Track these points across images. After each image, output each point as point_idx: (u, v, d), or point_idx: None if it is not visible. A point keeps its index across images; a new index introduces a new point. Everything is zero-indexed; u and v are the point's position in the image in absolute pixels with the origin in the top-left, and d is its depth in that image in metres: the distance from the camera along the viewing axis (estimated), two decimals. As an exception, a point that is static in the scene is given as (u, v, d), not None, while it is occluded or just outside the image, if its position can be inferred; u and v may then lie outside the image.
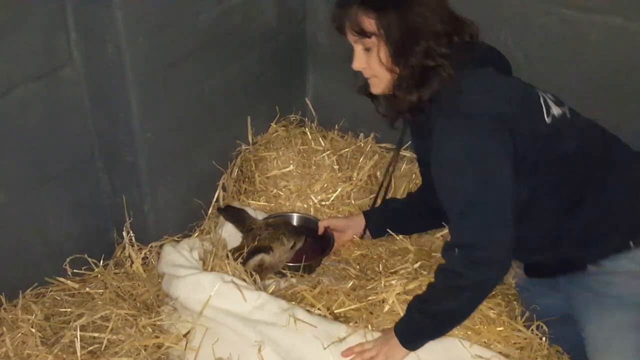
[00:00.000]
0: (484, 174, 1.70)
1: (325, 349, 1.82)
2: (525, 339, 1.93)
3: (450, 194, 1.77)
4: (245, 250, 2.18)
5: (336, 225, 2.45)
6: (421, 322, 1.82)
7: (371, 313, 1.99)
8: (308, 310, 1.95)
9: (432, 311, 1.80)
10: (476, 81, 1.75)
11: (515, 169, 1.71)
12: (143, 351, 1.82)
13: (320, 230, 2.44)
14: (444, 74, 1.73)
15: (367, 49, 1.82)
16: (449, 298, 1.78)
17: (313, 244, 2.43)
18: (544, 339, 1.94)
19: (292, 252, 2.31)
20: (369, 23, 1.76)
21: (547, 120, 1.80)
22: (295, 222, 2.52)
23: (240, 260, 2.12)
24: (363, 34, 1.79)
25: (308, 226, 2.48)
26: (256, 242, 2.21)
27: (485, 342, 1.91)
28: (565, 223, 1.88)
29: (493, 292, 1.98)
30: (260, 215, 2.43)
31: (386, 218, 2.40)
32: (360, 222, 2.43)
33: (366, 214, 2.43)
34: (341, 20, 1.83)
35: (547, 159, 1.80)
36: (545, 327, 1.98)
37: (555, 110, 1.82)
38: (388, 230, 2.38)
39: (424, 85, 1.76)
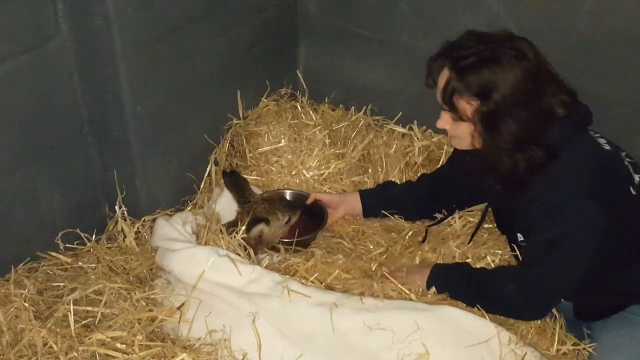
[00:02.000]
0: (572, 254, 1.84)
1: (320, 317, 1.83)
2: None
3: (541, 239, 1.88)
4: (241, 222, 2.18)
5: (329, 201, 2.45)
6: (457, 279, 2.00)
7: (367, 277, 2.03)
8: (302, 282, 1.95)
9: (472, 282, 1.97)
10: (580, 160, 1.85)
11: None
12: (137, 324, 1.83)
13: (310, 200, 2.44)
14: (533, 156, 1.83)
15: (454, 119, 1.89)
16: (490, 292, 1.93)
17: (306, 220, 2.43)
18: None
19: (287, 227, 2.32)
20: (467, 107, 1.83)
21: (633, 192, 1.90)
22: (290, 198, 2.51)
23: (234, 234, 2.12)
24: (456, 112, 1.86)
25: (301, 202, 2.48)
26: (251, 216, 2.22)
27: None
28: (625, 274, 1.99)
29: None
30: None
31: (382, 203, 2.41)
32: (354, 200, 2.43)
33: (362, 195, 2.43)
34: (435, 80, 1.90)
35: (626, 224, 1.92)
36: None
37: (637, 178, 1.92)
38: (382, 211, 2.41)
39: (515, 167, 1.86)
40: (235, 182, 2.33)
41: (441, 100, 1.89)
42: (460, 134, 1.93)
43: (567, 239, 1.83)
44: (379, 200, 2.42)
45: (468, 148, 1.97)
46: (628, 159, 1.96)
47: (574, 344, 1.96)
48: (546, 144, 1.84)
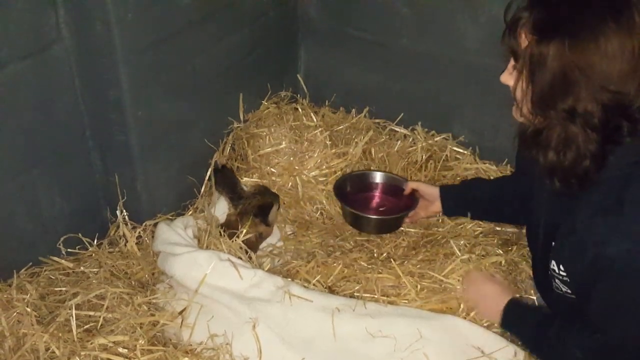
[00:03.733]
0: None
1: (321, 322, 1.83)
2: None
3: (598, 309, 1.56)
4: (240, 223, 2.20)
5: (425, 191, 2.31)
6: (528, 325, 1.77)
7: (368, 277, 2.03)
8: (304, 286, 1.96)
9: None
10: None
11: None
12: (139, 329, 1.83)
13: (407, 191, 2.37)
14: (587, 147, 1.45)
15: (517, 70, 1.52)
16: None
17: (394, 202, 2.42)
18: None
19: (277, 214, 2.34)
20: (524, 43, 1.47)
21: None
22: (381, 180, 2.50)
23: (235, 238, 2.13)
24: (513, 52, 1.52)
25: (396, 184, 2.44)
26: (246, 209, 2.25)
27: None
28: None
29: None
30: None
31: (462, 202, 2.25)
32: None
33: (442, 192, 2.26)
34: (510, 20, 1.51)
35: None
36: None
37: None
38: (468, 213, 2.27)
39: (563, 152, 1.48)
40: (226, 178, 2.32)
41: (505, 30, 1.53)
42: (517, 92, 1.55)
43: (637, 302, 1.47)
44: (460, 199, 2.24)
45: (523, 119, 1.59)
46: None
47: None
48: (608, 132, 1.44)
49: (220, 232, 2.15)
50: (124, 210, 2.26)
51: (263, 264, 2.16)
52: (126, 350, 1.77)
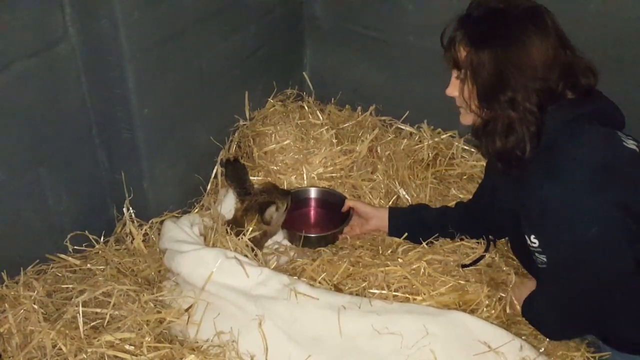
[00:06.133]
0: (595, 260, 1.71)
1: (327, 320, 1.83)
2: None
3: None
4: (247, 219, 2.21)
5: (361, 210, 2.39)
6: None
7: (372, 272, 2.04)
8: (310, 284, 1.96)
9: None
10: (581, 152, 1.69)
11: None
12: (145, 326, 1.83)
13: (344, 208, 2.41)
14: (527, 129, 1.72)
15: (460, 79, 1.81)
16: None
17: (332, 216, 2.45)
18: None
19: (284, 215, 2.33)
20: (463, 55, 1.77)
21: None
22: (317, 195, 2.52)
23: (242, 236, 2.13)
24: (456, 63, 1.80)
25: (332, 201, 2.48)
26: (251, 206, 2.25)
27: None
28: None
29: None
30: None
31: (409, 225, 2.33)
32: (385, 216, 2.36)
33: (390, 213, 2.36)
34: (447, 40, 1.82)
35: None
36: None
37: None
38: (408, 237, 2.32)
39: (506, 137, 1.75)
40: (236, 172, 2.32)
41: (446, 48, 1.83)
42: (463, 100, 1.83)
43: (582, 244, 1.69)
44: (407, 222, 2.33)
45: (474, 121, 1.88)
46: None
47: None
48: (539, 107, 1.72)
49: (227, 230, 2.15)
50: (131, 208, 2.27)
51: (269, 261, 2.17)
52: (132, 347, 1.77)
